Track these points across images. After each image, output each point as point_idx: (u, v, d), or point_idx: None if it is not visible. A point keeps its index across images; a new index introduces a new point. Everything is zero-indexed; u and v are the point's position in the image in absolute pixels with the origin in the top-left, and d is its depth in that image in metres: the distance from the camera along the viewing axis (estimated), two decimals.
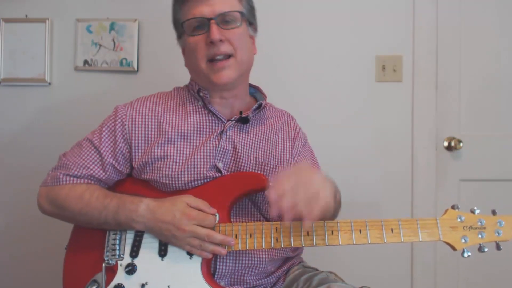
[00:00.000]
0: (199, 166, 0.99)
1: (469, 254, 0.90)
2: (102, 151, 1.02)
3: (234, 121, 1.05)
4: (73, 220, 1.02)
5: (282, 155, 1.09)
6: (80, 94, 1.68)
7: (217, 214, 0.94)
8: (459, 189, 1.71)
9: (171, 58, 1.66)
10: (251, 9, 1.10)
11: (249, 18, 1.08)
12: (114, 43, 1.66)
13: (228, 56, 1.02)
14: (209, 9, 1.00)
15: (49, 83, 1.68)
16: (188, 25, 1.03)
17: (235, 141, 1.04)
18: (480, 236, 0.90)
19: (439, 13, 1.69)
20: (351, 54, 1.69)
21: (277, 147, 1.09)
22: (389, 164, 1.70)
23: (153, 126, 1.04)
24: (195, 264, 0.93)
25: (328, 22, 1.70)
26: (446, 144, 1.70)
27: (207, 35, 0.99)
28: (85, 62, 1.67)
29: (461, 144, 1.68)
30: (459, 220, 0.91)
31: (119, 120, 1.04)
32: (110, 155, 1.02)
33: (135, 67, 1.66)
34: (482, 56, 1.71)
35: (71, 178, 1.00)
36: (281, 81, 1.69)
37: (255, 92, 1.18)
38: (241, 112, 1.06)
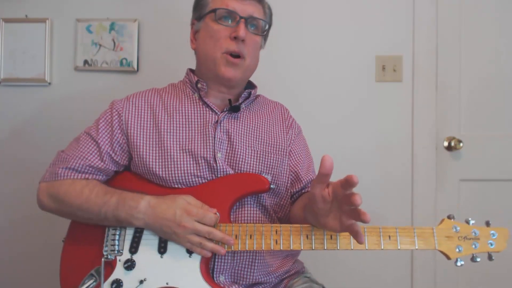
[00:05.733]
0: (197, 156, 1.01)
1: (462, 263, 0.93)
2: (99, 141, 1.04)
3: (226, 112, 1.08)
4: (73, 216, 1.02)
5: (276, 143, 1.11)
6: (80, 94, 1.68)
7: (218, 213, 0.95)
8: (459, 189, 1.71)
9: (171, 58, 1.67)
10: (270, 27, 1.17)
11: (267, 33, 1.16)
12: (114, 43, 1.66)
13: (239, 57, 1.06)
14: (242, 7, 1.06)
15: (49, 83, 1.68)
16: (218, 13, 1.06)
17: (229, 130, 1.07)
18: (473, 246, 0.94)
19: (439, 13, 1.69)
20: (351, 54, 1.69)
21: (271, 135, 1.12)
22: (389, 164, 1.70)
23: (149, 117, 1.07)
24: (194, 262, 0.93)
25: (329, 22, 1.70)
26: (446, 144, 1.70)
27: (234, 29, 1.04)
28: (85, 62, 1.67)
29: (461, 144, 1.68)
30: (454, 230, 0.94)
31: (116, 112, 1.07)
32: (107, 145, 1.04)
33: (135, 67, 1.66)
34: (482, 56, 1.71)
35: (70, 172, 1.01)
36: (282, 81, 1.69)
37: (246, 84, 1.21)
38: (230, 101, 1.10)
